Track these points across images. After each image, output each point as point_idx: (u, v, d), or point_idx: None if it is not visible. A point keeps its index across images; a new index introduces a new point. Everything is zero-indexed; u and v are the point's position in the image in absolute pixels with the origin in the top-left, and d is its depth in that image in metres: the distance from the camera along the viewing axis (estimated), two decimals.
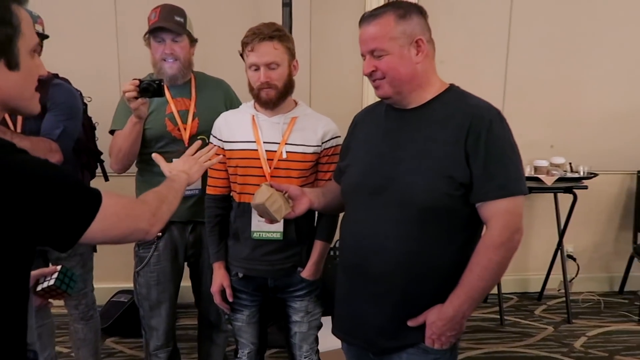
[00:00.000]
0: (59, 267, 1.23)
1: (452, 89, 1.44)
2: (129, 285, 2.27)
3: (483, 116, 1.34)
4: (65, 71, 2.15)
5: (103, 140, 2.26)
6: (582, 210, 3.30)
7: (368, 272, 1.41)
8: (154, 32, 2.00)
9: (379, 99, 1.51)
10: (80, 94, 2.18)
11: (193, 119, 2.04)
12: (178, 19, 2.03)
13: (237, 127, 1.79)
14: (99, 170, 2.29)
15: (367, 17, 1.39)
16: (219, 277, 1.84)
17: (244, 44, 1.71)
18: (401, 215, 1.33)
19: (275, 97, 1.72)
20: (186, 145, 2.00)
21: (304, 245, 1.81)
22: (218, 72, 3.18)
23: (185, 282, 2.24)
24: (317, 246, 1.81)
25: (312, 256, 1.80)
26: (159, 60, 2.01)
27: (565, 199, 3.28)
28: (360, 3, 3.19)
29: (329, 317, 1.62)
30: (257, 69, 1.70)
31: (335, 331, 1.56)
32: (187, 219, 2.08)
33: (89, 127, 2.25)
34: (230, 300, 1.84)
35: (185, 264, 2.20)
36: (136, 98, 1.82)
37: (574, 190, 3.16)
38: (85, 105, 2.22)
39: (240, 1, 3.14)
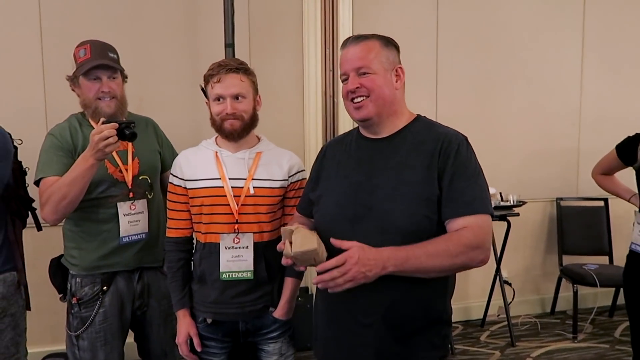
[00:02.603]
0: None
1: (420, 119, 1.50)
2: (60, 347, 2.03)
3: (451, 141, 1.40)
4: None
5: (33, 187, 2.07)
6: (512, 237, 3.51)
7: (358, 301, 1.38)
8: (90, 70, 1.87)
9: (322, 141, 1.56)
10: (10, 135, 2.00)
11: (133, 159, 1.94)
12: (112, 55, 1.94)
13: (200, 164, 1.73)
14: (30, 219, 2.09)
15: (354, 39, 1.43)
16: (185, 326, 1.72)
17: (210, 76, 1.69)
18: (383, 241, 1.31)
19: (240, 128, 1.69)
20: (129, 187, 1.91)
21: (275, 284, 1.74)
22: (158, 112, 3.08)
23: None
24: (289, 283, 1.75)
25: (283, 294, 1.74)
26: (93, 99, 1.89)
27: (498, 227, 3.47)
28: (298, 46, 3.28)
29: None
30: (222, 100, 1.67)
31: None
32: (133, 266, 1.95)
33: (19, 172, 2.04)
34: (199, 350, 1.71)
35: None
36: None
37: (507, 217, 3.36)
38: (16, 148, 2.04)
39: (182, 42, 3.10)
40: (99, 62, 1.86)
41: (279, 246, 1.39)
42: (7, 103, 2.83)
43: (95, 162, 1.74)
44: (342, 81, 1.46)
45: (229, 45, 2.83)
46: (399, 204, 1.35)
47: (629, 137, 2.28)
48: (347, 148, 1.52)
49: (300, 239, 1.33)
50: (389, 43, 1.45)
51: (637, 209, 2.18)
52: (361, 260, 1.24)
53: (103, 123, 1.74)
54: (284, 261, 1.39)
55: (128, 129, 1.75)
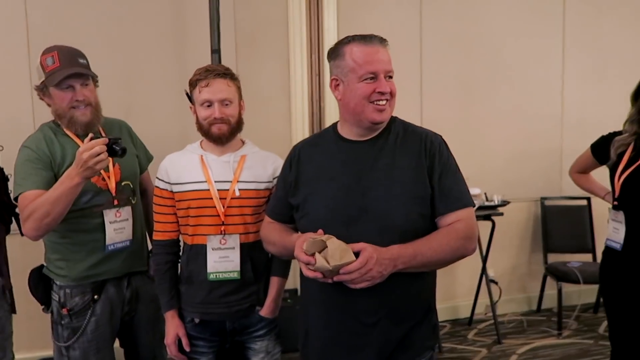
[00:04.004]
0: None
1: (396, 120, 1.55)
2: (51, 353, 1.99)
3: (433, 141, 1.47)
4: None
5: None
6: (498, 236, 3.57)
7: (358, 301, 1.40)
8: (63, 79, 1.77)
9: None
10: None
11: (114, 166, 1.88)
12: (82, 60, 1.84)
13: (185, 168, 1.76)
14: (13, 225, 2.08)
15: (379, 40, 1.43)
16: (174, 327, 1.75)
17: (197, 81, 1.72)
18: (381, 241, 1.34)
19: (227, 133, 1.73)
20: (113, 194, 1.87)
21: (261, 283, 1.78)
22: (145, 118, 3.14)
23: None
24: (274, 283, 1.79)
25: (269, 293, 1.78)
26: (67, 108, 1.80)
27: (483, 227, 3.52)
28: (284, 51, 3.33)
29: None
30: (210, 105, 1.71)
31: None
32: (122, 272, 1.94)
33: (1, 178, 2.03)
34: (188, 350, 1.75)
35: None
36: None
37: (492, 217, 3.42)
38: None
39: (168, 47, 3.14)
40: (71, 70, 1.78)
41: (307, 259, 1.31)
42: None
43: (81, 181, 1.67)
44: (364, 79, 1.41)
45: (215, 51, 2.87)
46: (394, 204, 1.39)
47: (603, 136, 2.34)
48: (326, 150, 1.52)
49: (339, 252, 1.28)
50: None
51: (611, 206, 2.24)
52: (379, 260, 1.29)
53: (91, 139, 1.67)
54: (311, 274, 1.32)
55: (117, 144, 1.70)
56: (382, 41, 1.45)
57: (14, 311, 2.05)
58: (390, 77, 1.45)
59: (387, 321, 1.42)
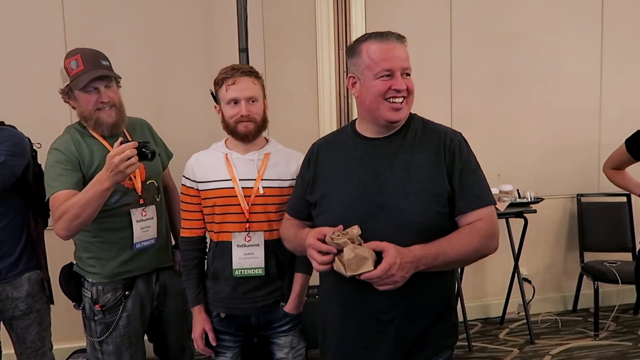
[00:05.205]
0: None
1: (415, 117, 1.53)
2: (85, 344, 2.05)
3: (452, 138, 1.46)
4: (14, 118, 2.07)
5: None
6: (531, 234, 3.49)
7: (375, 298, 1.39)
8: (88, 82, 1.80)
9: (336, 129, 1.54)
10: (29, 139, 2.09)
11: (139, 167, 1.87)
12: (105, 62, 1.88)
13: (211, 166, 1.80)
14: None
15: (397, 37, 1.42)
16: (201, 322, 1.79)
17: (223, 80, 1.74)
18: (397, 238, 1.32)
19: (254, 130, 1.75)
20: (139, 194, 1.91)
21: (285, 279, 1.80)
22: (176, 118, 3.21)
23: None
24: (298, 279, 1.81)
25: (293, 289, 1.80)
26: (93, 111, 1.84)
27: (516, 225, 3.45)
28: (312, 49, 3.34)
29: None
30: (237, 103, 1.73)
31: None
32: (151, 268, 1.99)
33: (39, 174, 2.09)
34: (214, 344, 1.79)
35: None
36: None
37: (524, 214, 3.34)
38: (35, 151, 2.12)
39: (197, 47, 3.19)
40: (96, 73, 1.81)
41: (326, 247, 1.32)
42: (33, 108, 2.96)
43: (111, 186, 1.69)
44: (380, 76, 1.40)
45: (243, 50, 2.91)
46: (411, 201, 1.38)
47: (638, 130, 2.26)
48: (343, 148, 1.52)
49: (355, 262, 1.27)
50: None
51: None
52: (402, 265, 1.28)
53: (121, 143, 1.70)
54: (322, 268, 1.34)
55: (146, 148, 1.71)
56: (400, 38, 1.43)
57: (52, 302, 2.14)
58: (408, 74, 1.43)
59: (403, 318, 1.41)
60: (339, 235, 1.31)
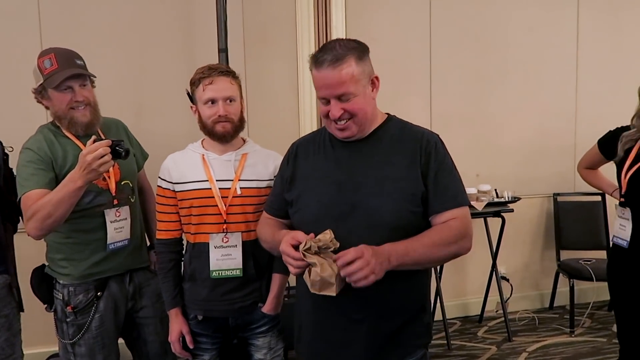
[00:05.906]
0: None
1: (393, 119, 1.55)
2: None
3: (429, 140, 1.48)
4: None
5: None
6: (509, 233, 3.54)
7: (348, 297, 1.38)
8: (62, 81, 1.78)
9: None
10: (1, 143, 2.03)
11: (113, 165, 1.85)
12: (79, 62, 1.86)
13: (187, 167, 1.79)
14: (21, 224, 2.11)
15: (330, 62, 1.37)
16: (178, 324, 1.78)
17: (200, 79, 1.73)
18: (370, 237, 1.34)
19: (232, 131, 1.74)
20: (113, 194, 1.90)
21: (263, 280, 1.81)
22: (155, 118, 3.19)
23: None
24: (276, 279, 1.81)
25: (271, 290, 1.80)
26: (66, 110, 1.82)
27: (494, 224, 3.50)
28: (292, 50, 3.34)
29: None
30: (214, 103, 1.72)
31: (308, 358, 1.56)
32: (124, 269, 1.97)
33: (11, 178, 2.03)
34: (191, 347, 1.78)
35: None
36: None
37: (502, 214, 3.39)
38: (7, 155, 2.06)
39: (176, 47, 3.17)
40: (70, 72, 1.79)
41: (302, 263, 1.32)
42: (7, 111, 2.91)
43: (84, 184, 1.68)
44: (322, 102, 1.43)
45: (223, 51, 2.90)
46: (384, 200, 1.40)
47: (610, 131, 2.31)
48: (322, 148, 1.53)
49: (319, 284, 1.29)
50: (363, 52, 1.42)
51: (617, 203, 2.21)
52: (374, 254, 1.26)
53: (94, 141, 1.69)
54: (296, 272, 1.37)
55: (120, 146, 1.70)
56: (334, 62, 1.36)
57: (21, 309, 2.08)
58: (347, 99, 1.39)
59: (375, 318, 1.42)
60: (309, 248, 1.31)
